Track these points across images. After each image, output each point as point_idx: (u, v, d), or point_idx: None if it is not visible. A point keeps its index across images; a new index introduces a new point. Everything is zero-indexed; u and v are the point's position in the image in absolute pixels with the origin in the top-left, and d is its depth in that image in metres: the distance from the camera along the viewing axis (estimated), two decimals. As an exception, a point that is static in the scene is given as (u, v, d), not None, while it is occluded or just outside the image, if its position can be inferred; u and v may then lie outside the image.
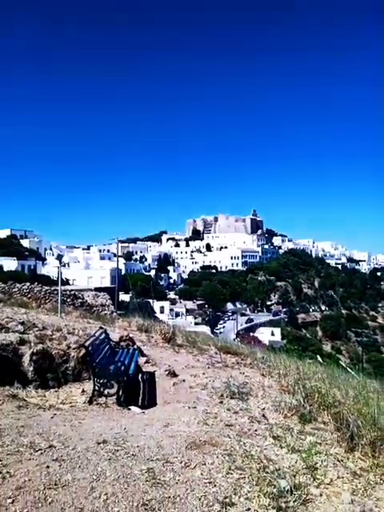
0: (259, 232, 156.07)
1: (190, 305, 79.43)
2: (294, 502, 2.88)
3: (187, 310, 72.46)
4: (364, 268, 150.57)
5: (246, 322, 77.49)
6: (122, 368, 4.72)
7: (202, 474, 2.88)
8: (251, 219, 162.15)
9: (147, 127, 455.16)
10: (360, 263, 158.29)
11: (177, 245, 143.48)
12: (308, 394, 5.65)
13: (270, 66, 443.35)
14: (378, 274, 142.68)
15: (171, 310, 69.20)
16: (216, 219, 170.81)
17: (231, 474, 2.97)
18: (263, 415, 5.02)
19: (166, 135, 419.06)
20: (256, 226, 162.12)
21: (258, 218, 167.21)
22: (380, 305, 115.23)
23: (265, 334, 61.73)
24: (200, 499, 2.53)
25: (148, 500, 2.41)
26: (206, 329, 47.25)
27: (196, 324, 59.83)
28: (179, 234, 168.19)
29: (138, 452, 3.06)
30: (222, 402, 5.18)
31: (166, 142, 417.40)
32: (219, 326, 70.57)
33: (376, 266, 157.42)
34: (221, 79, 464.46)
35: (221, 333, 56.90)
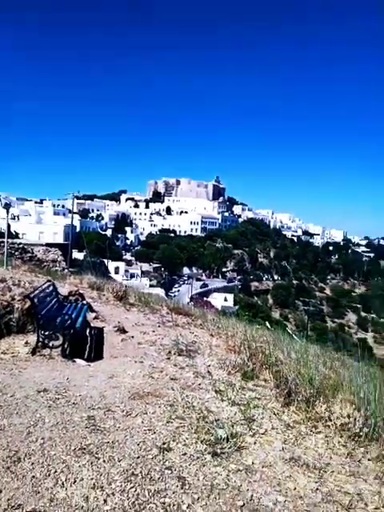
0: (221, 199, 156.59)
1: (146, 267, 79.44)
2: (229, 448, 3.03)
3: (143, 272, 72.46)
4: (317, 242, 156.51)
5: (201, 287, 79.03)
6: (69, 321, 4.65)
7: (142, 422, 2.94)
8: (214, 186, 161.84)
9: (112, 79, 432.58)
10: (314, 237, 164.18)
11: (136, 205, 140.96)
12: (252, 354, 5.88)
13: (226, 33, 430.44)
14: (330, 248, 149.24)
15: (126, 271, 68.88)
16: (178, 182, 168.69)
17: (171, 422, 3.05)
18: (208, 371, 5.18)
19: (133, 88, 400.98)
20: (218, 192, 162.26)
21: (220, 185, 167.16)
22: (329, 277, 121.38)
23: (218, 300, 63.42)
24: (138, 444, 2.59)
25: (86, 445, 2.43)
26: (160, 291, 47.65)
27: (151, 286, 60.09)
28: (139, 194, 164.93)
29: (79, 401, 3.06)
30: (169, 359, 5.28)
31: (132, 94, 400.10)
32: (174, 290, 71.46)
33: (329, 241, 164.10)
34: (185, 42, 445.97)
35: (175, 296, 57.69)
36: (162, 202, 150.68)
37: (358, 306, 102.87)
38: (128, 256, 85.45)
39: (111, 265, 64.25)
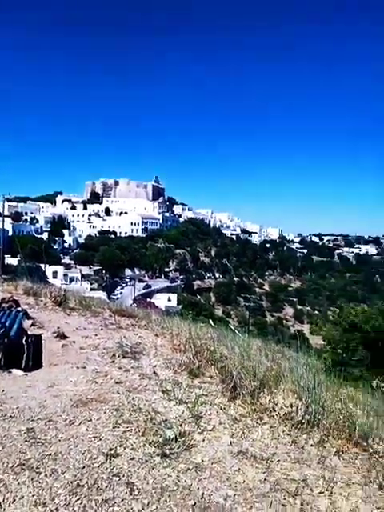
0: (160, 199, 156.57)
1: (86, 270, 77.20)
2: (178, 448, 2.99)
3: (83, 276, 70.38)
4: (255, 240, 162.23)
5: (144, 288, 78.47)
6: (2, 329, 4.34)
7: (87, 429, 2.81)
8: (153, 186, 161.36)
9: (41, 76, 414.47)
10: (252, 235, 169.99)
11: (73, 207, 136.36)
12: (197, 352, 5.91)
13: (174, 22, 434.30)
14: (267, 245, 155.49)
15: (65, 275, 66.45)
16: (117, 183, 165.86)
17: (118, 427, 2.95)
18: (154, 372, 5.11)
19: (69, 85, 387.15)
20: (158, 192, 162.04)
21: (159, 185, 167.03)
22: (267, 273, 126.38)
23: (161, 300, 63.37)
24: (83, 454, 2.46)
25: (26, 459, 2.26)
26: (102, 294, 46.57)
27: (92, 290, 58.56)
28: (76, 196, 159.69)
29: (17, 413, 2.85)
30: (113, 362, 5.13)
31: (67, 91, 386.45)
32: (116, 292, 70.21)
33: (266, 238, 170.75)
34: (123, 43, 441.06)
35: (118, 298, 56.71)
36: (101, 203, 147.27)
37: (294, 299, 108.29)
38: (67, 259, 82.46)
39: (49, 269, 61.61)
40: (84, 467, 2.32)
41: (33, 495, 1.99)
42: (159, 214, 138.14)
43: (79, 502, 2.00)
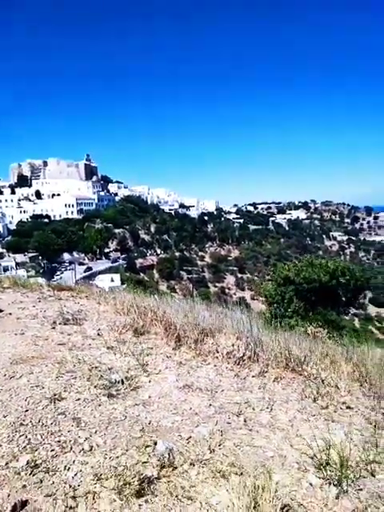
0: (94, 178, 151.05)
1: (21, 258, 73.35)
2: (124, 389, 3.05)
3: (18, 264, 66.86)
4: (193, 213, 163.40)
5: (85, 271, 76.39)
6: None
7: (28, 381, 2.76)
8: (85, 165, 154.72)
9: None
10: (190, 209, 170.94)
11: (0, 192, 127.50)
12: (142, 312, 5.96)
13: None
14: (205, 218, 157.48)
15: (-2, 264, 62.72)
16: (45, 164, 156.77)
17: (61, 377, 2.93)
18: (98, 334, 5.09)
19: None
20: (90, 171, 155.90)
21: (92, 164, 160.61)
22: (207, 245, 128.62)
23: (104, 281, 62.15)
24: (26, 400, 2.43)
25: (-37, 411, 2.17)
26: (41, 281, 44.68)
27: (29, 277, 55.83)
28: (2, 180, 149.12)
29: None
30: (54, 328, 5.01)
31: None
32: (56, 277, 67.64)
33: (203, 211, 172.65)
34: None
35: (58, 283, 54.74)
36: (30, 186, 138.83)
37: (235, 268, 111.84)
38: (-2, 248, 77.58)
39: (-22, 260, 57.63)
40: (27, 410, 2.29)
41: (-26, 437, 1.94)
42: (94, 193, 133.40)
43: (23, 437, 1.98)
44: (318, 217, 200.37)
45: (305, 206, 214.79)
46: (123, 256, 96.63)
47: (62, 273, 72.68)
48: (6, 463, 1.74)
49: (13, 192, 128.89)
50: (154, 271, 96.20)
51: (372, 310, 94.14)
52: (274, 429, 2.91)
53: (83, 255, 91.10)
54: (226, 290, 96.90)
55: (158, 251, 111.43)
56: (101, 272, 77.24)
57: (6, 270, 61.96)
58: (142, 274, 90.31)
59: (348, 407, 3.42)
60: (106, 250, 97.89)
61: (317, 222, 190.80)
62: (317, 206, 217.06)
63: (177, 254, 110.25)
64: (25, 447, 1.88)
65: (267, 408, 3.25)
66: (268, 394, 3.51)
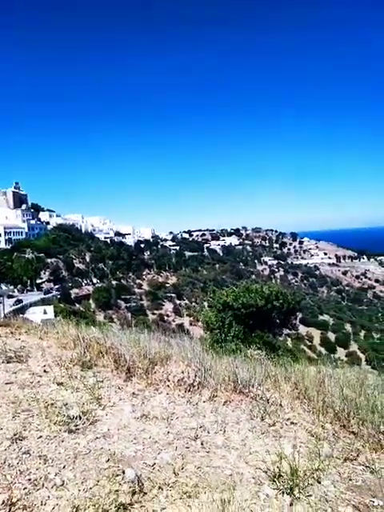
0: (24, 207, 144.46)
1: None
2: (83, 424, 3.08)
3: None
4: (130, 241, 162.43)
5: (15, 304, 71.79)
6: None
7: (-16, 424, 2.70)
8: (13, 193, 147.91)
9: None
10: (126, 236, 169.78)
11: None
12: (88, 345, 5.93)
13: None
14: (142, 245, 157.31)
15: None
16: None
17: (18, 416, 2.91)
18: (45, 370, 4.97)
19: None
20: (19, 200, 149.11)
21: (21, 192, 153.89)
22: (144, 273, 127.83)
23: (37, 314, 58.81)
24: (-14, 443, 2.39)
25: None
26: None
27: None
28: None
29: None
30: (-3, 368, 4.82)
31: None
32: (-18, 312, 62.80)
33: (139, 239, 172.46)
34: None
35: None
36: None
37: (173, 295, 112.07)
38: None
39: None
40: (-10, 453, 2.27)
41: None
42: (24, 222, 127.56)
43: (-8, 479, 1.98)
44: (250, 243, 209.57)
45: (237, 232, 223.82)
46: (57, 286, 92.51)
47: (-11, 307, 67.60)
48: (-19, 506, 1.74)
49: None
50: (91, 301, 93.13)
51: (302, 330, 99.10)
52: (230, 449, 3.12)
53: (12, 287, 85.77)
54: (165, 317, 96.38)
55: (94, 280, 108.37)
56: (32, 304, 73.04)
57: None
58: (77, 305, 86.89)
59: (292, 423, 3.74)
60: (38, 281, 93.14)
61: (248, 248, 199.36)
62: (248, 232, 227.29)
63: (113, 282, 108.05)
64: (-4, 490, 1.89)
65: (221, 430, 3.46)
66: (220, 417, 3.72)
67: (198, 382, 4.56)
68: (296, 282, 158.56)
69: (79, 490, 1.94)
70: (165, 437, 3.12)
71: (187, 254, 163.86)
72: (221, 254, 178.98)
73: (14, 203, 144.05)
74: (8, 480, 1.97)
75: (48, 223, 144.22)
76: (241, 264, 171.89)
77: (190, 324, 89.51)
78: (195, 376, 4.59)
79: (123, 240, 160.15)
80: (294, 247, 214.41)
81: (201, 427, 3.45)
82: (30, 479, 2.01)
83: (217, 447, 3.11)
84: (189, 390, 4.41)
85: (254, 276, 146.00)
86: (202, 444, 3.10)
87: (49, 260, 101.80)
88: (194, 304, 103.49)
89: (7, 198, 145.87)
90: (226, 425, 3.56)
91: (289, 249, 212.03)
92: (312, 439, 3.38)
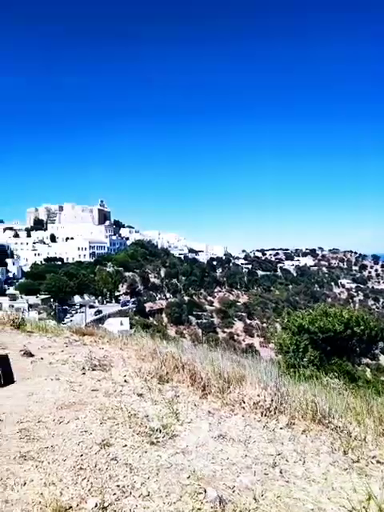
0: (107, 223, 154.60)
1: (34, 300, 73.79)
2: (163, 437, 3.18)
3: (30, 306, 67.16)
4: (202, 258, 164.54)
5: (95, 314, 76.25)
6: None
7: (76, 426, 2.92)
8: (99, 210, 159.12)
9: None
10: (199, 253, 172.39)
11: (16, 235, 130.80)
12: (164, 360, 6.11)
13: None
14: (214, 263, 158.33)
15: (11, 306, 62.96)
16: (61, 208, 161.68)
17: (105, 423, 3.09)
18: (125, 380, 5.23)
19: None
20: (103, 216, 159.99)
21: (105, 209, 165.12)
22: (215, 290, 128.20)
23: (114, 325, 61.86)
24: (78, 444, 2.58)
25: (26, 452, 2.34)
26: (52, 323, 44.65)
27: (40, 320, 55.93)
28: (19, 223, 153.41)
29: (4, 418, 2.89)
30: (84, 374, 5.18)
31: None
32: (66, 320, 67.54)
33: (212, 256, 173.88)
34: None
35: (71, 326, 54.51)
36: (45, 229, 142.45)
37: (243, 314, 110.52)
38: (11, 290, 78.37)
39: (-9, 301, 58.16)
40: (82, 455, 2.45)
41: (41, 479, 2.09)
42: (106, 237, 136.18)
43: (85, 480, 2.13)
44: (326, 264, 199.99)
45: (312, 253, 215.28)
46: (133, 299, 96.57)
47: (73, 315, 72.57)
48: (77, 504, 1.89)
49: (29, 235, 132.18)
50: (163, 315, 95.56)
51: (383, 360, 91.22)
52: (310, 481, 2.98)
53: (94, 298, 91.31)
54: (235, 336, 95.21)
55: (168, 295, 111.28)
56: (110, 315, 76.99)
57: (18, 311, 62.12)
58: (150, 318, 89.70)
59: (378, 462, 3.47)
60: (117, 293, 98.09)
61: (324, 269, 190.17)
62: (324, 253, 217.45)
63: (186, 298, 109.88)
64: (89, 490, 2.03)
65: (300, 460, 3.33)
66: (299, 446, 3.58)
67: (275, 406, 4.44)
68: (377, 308, 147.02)
69: (164, 503, 2.01)
70: (243, 460, 3.10)
71: (259, 272, 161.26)
72: (294, 275, 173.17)
73: (98, 219, 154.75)
74: (99, 484, 2.11)
75: (127, 239, 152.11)
76: (316, 286, 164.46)
77: (261, 345, 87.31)
78: (272, 400, 4.48)
79: (196, 257, 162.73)
80: (376, 271, 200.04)
81: (279, 454, 3.36)
82: (118, 485, 2.13)
83: (296, 477, 3.00)
84: (265, 415, 4.31)
85: (330, 299, 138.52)
86: (280, 472, 3.02)
87: (126, 274, 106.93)
88: (265, 324, 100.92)
89: (93, 214, 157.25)
90: (305, 455, 3.42)
91: (370, 272, 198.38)
92: (402, 482, 3.10)
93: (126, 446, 2.72)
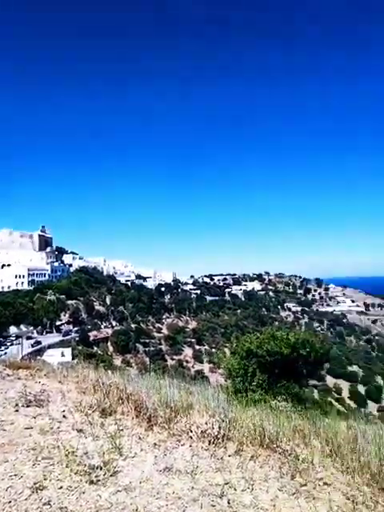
0: (48, 249, 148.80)
1: (-36, 332, 68.20)
2: (104, 475, 2.94)
3: None
4: (150, 284, 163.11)
5: (33, 345, 71.98)
6: None
7: (5, 470, 2.62)
8: (39, 235, 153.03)
9: None
10: (147, 280, 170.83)
11: None
12: (107, 391, 5.81)
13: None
14: (162, 289, 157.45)
15: None
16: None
17: (38, 464, 2.81)
18: (64, 416, 4.86)
19: None
20: (45, 242, 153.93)
21: (46, 235, 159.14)
22: (164, 317, 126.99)
23: (54, 356, 58.70)
24: (7, 490, 2.30)
25: None
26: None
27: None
28: None
29: None
30: (17, 411, 4.74)
31: None
32: (0, 353, 62.99)
33: (160, 282, 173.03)
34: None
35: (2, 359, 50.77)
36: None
37: (192, 340, 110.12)
38: None
39: None
40: (10, 502, 2.18)
41: None
42: (48, 264, 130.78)
43: (13, 532, 1.88)
44: (272, 288, 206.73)
45: (259, 277, 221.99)
46: (76, 328, 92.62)
47: (7, 348, 67.82)
48: None
49: None
50: (109, 344, 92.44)
51: (330, 381, 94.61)
52: (258, 509, 2.90)
53: (32, 328, 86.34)
54: (184, 363, 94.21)
55: (114, 323, 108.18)
56: (51, 346, 73.00)
57: None
58: (95, 348, 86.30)
59: (325, 484, 3.47)
60: (58, 323, 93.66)
61: (271, 294, 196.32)
62: (270, 277, 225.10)
63: (133, 325, 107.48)
64: (16, 543, 1.79)
65: (248, 488, 3.23)
66: (247, 473, 3.50)
67: (223, 434, 4.34)
68: (322, 329, 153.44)
69: None
70: (189, 492, 2.94)
71: (208, 298, 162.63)
72: (242, 299, 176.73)
73: (39, 246, 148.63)
74: (28, 534, 1.86)
75: (71, 265, 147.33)
76: (263, 310, 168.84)
77: (210, 371, 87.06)
78: (219, 428, 4.38)
79: (144, 283, 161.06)
80: (319, 294, 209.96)
81: (226, 483, 3.24)
82: (50, 534, 1.90)
83: (244, 507, 2.90)
84: (213, 443, 4.19)
85: (277, 322, 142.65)
86: (228, 503, 2.90)
87: (69, 302, 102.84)
88: (214, 350, 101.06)
89: (33, 240, 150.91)
90: (253, 482, 3.33)
91: (313, 295, 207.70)
92: (348, 503, 3.11)
93: (61, 487, 2.47)
